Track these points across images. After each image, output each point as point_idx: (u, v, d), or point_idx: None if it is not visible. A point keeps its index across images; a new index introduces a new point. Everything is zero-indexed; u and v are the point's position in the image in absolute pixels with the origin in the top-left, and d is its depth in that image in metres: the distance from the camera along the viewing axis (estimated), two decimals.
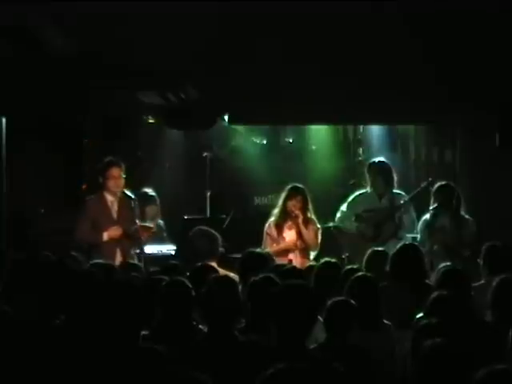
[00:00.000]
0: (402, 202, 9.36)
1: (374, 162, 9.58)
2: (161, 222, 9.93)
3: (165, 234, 9.93)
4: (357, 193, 9.53)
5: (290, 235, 8.91)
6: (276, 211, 8.99)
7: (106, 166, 8.67)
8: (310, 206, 8.95)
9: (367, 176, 9.50)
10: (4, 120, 9.54)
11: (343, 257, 9.20)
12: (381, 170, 9.42)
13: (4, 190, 9.63)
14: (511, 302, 5.45)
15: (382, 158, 9.69)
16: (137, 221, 8.50)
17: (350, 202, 9.40)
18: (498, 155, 9.84)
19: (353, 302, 5.23)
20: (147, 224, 8.90)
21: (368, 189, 9.47)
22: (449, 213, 9.01)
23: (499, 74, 8.39)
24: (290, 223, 8.92)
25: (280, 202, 8.97)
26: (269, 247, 8.62)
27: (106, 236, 8.51)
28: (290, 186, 8.97)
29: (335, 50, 7.81)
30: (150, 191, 9.79)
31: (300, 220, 8.81)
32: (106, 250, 8.33)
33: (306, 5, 6.78)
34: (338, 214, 9.42)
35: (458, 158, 11.13)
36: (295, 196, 8.86)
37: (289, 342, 4.54)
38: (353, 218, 9.29)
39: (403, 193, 9.50)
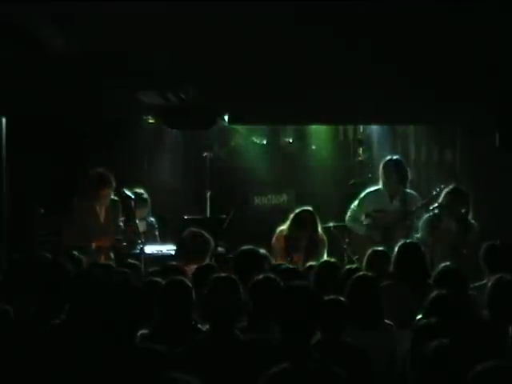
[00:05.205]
0: (414, 208, 9.17)
1: (391, 159, 9.40)
2: (152, 219, 9.88)
3: (156, 233, 9.84)
4: (368, 190, 9.40)
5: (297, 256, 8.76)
6: (285, 230, 8.76)
7: (98, 185, 8.61)
8: (319, 225, 8.79)
9: (381, 173, 9.33)
10: (4, 120, 9.55)
11: (354, 259, 9.10)
12: (396, 169, 9.27)
13: (4, 190, 9.64)
14: (507, 301, 5.44)
15: (397, 156, 9.55)
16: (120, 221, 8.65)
17: (361, 200, 9.29)
18: (498, 155, 9.83)
19: (343, 299, 5.24)
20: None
21: (380, 186, 9.32)
22: (454, 216, 8.91)
23: (498, 74, 8.39)
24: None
25: (291, 224, 8.76)
26: (279, 259, 8.39)
27: (94, 245, 8.55)
28: (299, 212, 8.77)
29: (335, 50, 7.81)
30: (143, 193, 9.67)
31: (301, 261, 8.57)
32: (91, 254, 8.29)
33: (307, 5, 6.79)
34: (349, 213, 9.31)
35: (458, 158, 11.13)
36: (305, 226, 8.68)
37: (292, 342, 4.53)
38: (362, 217, 9.21)
39: (415, 193, 9.38)
